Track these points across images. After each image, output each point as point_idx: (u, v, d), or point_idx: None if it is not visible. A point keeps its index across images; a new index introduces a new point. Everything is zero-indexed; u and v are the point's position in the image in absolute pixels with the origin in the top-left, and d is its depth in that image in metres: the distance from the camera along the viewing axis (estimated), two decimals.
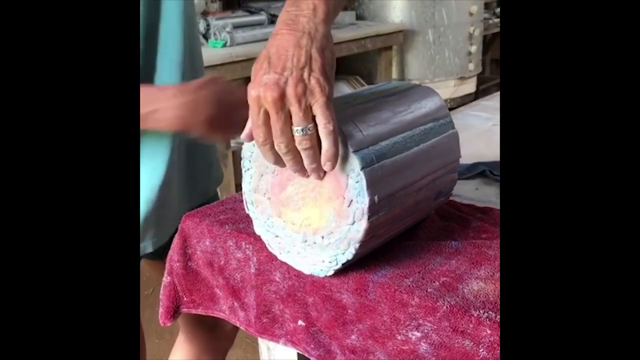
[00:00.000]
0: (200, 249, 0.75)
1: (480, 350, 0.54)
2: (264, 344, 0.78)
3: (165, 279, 0.78)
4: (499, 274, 0.59)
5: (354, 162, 0.56)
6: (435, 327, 0.56)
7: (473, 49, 3.14)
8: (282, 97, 0.53)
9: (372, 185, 0.56)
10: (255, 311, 0.70)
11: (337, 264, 0.60)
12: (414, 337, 0.58)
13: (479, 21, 3.19)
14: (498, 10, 3.73)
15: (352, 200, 0.57)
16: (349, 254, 0.59)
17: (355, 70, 3.11)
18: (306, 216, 0.61)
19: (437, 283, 0.59)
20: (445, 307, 0.56)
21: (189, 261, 0.76)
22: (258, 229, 0.67)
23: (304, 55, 0.55)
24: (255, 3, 2.68)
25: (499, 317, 0.53)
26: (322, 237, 0.60)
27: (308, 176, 0.59)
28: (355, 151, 0.56)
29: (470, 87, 3.27)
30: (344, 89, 2.89)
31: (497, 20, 3.59)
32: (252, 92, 0.54)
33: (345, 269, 0.62)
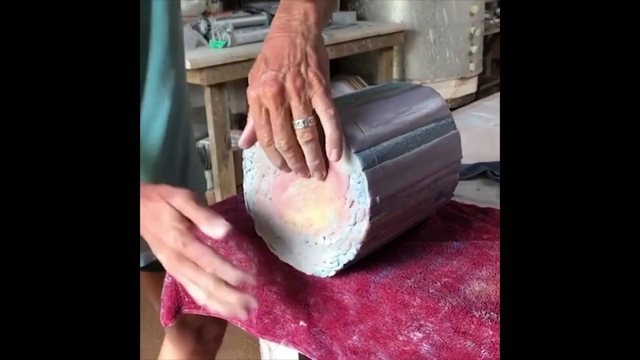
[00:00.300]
0: None
1: (482, 351, 0.54)
2: (265, 344, 0.78)
3: (167, 279, 0.78)
4: None
5: (356, 163, 0.56)
6: (436, 327, 0.56)
7: (474, 49, 3.14)
8: (281, 92, 0.54)
9: (374, 185, 0.56)
10: (256, 312, 0.70)
11: (338, 265, 0.60)
12: (415, 337, 0.58)
13: (480, 21, 3.19)
14: (499, 10, 3.73)
15: (353, 201, 0.57)
16: (350, 255, 0.59)
17: (355, 70, 3.11)
18: (308, 217, 0.61)
19: (439, 284, 0.59)
20: (446, 308, 0.56)
21: None
22: (259, 229, 0.67)
23: (299, 53, 0.56)
24: (256, 3, 2.69)
25: None
26: (324, 238, 0.60)
27: (310, 176, 0.59)
28: (356, 152, 0.56)
29: (471, 87, 3.27)
30: (344, 89, 2.89)
31: (498, 20, 3.59)
32: (252, 92, 0.55)
33: (347, 270, 0.62)
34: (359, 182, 0.56)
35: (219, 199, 2.17)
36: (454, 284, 0.59)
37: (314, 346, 0.66)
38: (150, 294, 1.00)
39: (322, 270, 0.62)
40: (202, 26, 2.26)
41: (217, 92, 2.11)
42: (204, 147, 2.51)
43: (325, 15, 0.63)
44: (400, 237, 0.67)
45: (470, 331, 0.54)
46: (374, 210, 0.57)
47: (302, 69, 0.55)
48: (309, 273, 0.63)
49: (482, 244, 0.66)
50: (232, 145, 2.21)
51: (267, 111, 0.55)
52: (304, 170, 0.58)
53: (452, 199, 0.74)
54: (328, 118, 0.55)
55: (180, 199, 0.57)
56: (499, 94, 1.40)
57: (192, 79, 2.07)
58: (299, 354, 0.72)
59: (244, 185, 0.68)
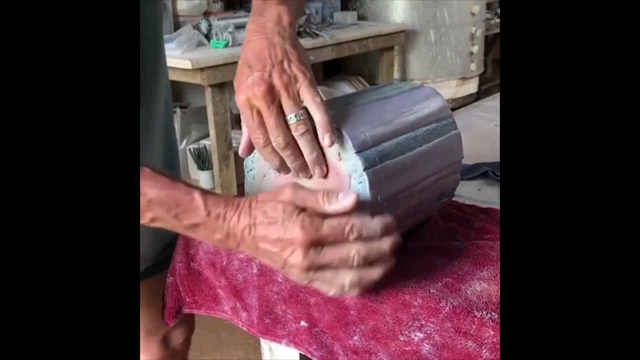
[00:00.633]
0: (202, 250, 0.75)
1: (483, 351, 0.54)
2: (266, 344, 0.78)
3: (168, 279, 0.78)
4: None
5: (357, 163, 0.56)
6: (437, 327, 0.56)
7: (475, 49, 3.14)
8: (270, 90, 0.55)
9: (375, 186, 0.56)
10: (257, 312, 0.70)
11: None
12: (416, 337, 0.58)
13: (481, 21, 3.19)
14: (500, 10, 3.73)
15: None
16: None
17: (356, 70, 3.11)
18: None
19: (440, 284, 0.59)
20: (448, 308, 0.56)
21: (191, 262, 0.76)
22: None
23: (279, 51, 0.58)
24: None
25: None
26: None
27: (311, 175, 0.59)
28: (358, 152, 0.56)
29: (472, 87, 3.27)
30: (345, 89, 2.89)
31: (499, 20, 3.59)
32: (241, 96, 0.56)
33: None
34: (360, 182, 0.56)
35: None
36: (455, 284, 0.59)
37: (314, 346, 0.66)
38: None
39: None
40: (203, 26, 2.26)
41: (218, 92, 2.11)
42: (205, 147, 2.51)
43: (296, 17, 0.64)
44: (402, 237, 0.67)
45: (471, 331, 0.54)
46: (375, 210, 0.57)
47: (286, 65, 0.57)
48: None
49: (483, 244, 0.66)
50: (233, 145, 2.21)
51: (258, 112, 0.55)
52: (303, 167, 0.58)
53: (453, 199, 0.74)
54: (316, 106, 0.55)
55: (290, 192, 0.53)
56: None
57: (193, 78, 2.07)
58: (300, 354, 0.72)
59: (245, 185, 0.68)
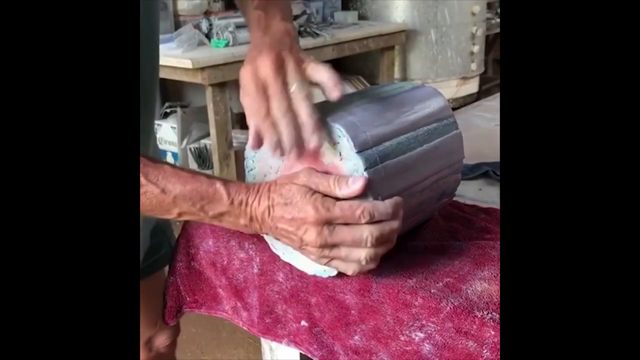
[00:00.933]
0: (203, 249, 0.75)
1: (484, 351, 0.54)
2: (266, 344, 0.78)
3: (169, 278, 0.78)
4: None
5: (358, 163, 0.56)
6: (438, 327, 0.56)
7: (475, 48, 3.14)
8: (278, 58, 0.58)
9: (376, 185, 0.56)
10: (258, 311, 0.70)
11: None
12: (417, 337, 0.58)
13: (482, 21, 3.19)
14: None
15: None
16: None
17: (357, 70, 3.11)
18: None
19: (441, 284, 0.59)
20: (448, 308, 0.56)
21: (192, 261, 0.76)
22: None
23: (291, 52, 0.60)
24: None
25: None
26: None
27: (303, 151, 0.58)
28: (359, 152, 0.56)
29: (472, 87, 3.27)
30: (345, 89, 2.87)
31: (500, 20, 3.59)
32: (248, 66, 0.58)
33: None
34: None
35: None
36: (455, 284, 0.59)
37: (315, 346, 0.66)
38: None
39: (324, 270, 0.62)
40: (204, 25, 2.26)
41: (219, 92, 2.11)
42: (205, 146, 2.51)
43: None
44: (402, 237, 0.67)
45: (472, 331, 0.54)
46: None
47: (296, 49, 0.60)
48: (310, 273, 0.63)
49: (484, 244, 0.66)
50: (234, 144, 2.21)
51: (263, 86, 0.57)
52: (299, 142, 0.57)
53: (454, 199, 0.74)
54: (325, 69, 0.58)
55: (304, 176, 0.56)
56: None
57: (194, 78, 2.07)
58: (301, 353, 0.72)
59: None
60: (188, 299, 0.78)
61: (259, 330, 0.71)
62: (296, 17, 2.56)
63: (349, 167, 0.57)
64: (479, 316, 0.54)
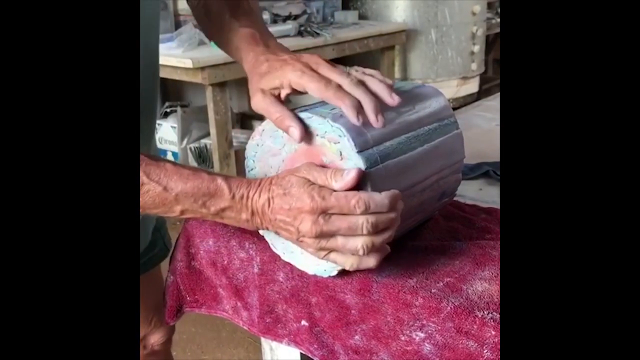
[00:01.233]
0: (203, 249, 0.75)
1: (485, 351, 0.54)
2: (266, 343, 0.78)
3: (169, 278, 0.78)
4: None
5: (359, 162, 0.56)
6: (439, 327, 0.56)
7: (476, 48, 3.14)
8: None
9: (377, 185, 0.56)
10: (258, 311, 0.70)
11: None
12: (417, 337, 0.58)
13: (482, 21, 3.19)
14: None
15: None
16: None
17: None
18: None
19: (441, 284, 0.59)
20: (449, 308, 0.56)
21: (192, 261, 0.76)
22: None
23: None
24: None
25: None
26: None
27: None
28: (359, 151, 0.56)
29: (472, 86, 3.27)
30: None
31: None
32: (297, 64, 0.61)
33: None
34: None
35: None
36: (456, 284, 0.59)
37: (315, 346, 0.66)
38: None
39: (324, 270, 0.62)
40: None
41: (219, 91, 2.11)
42: (205, 146, 2.51)
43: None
44: (403, 237, 0.67)
45: (472, 331, 0.54)
46: None
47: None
48: (311, 273, 0.63)
49: (484, 244, 0.66)
50: (234, 144, 2.21)
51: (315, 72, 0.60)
52: (377, 107, 0.59)
53: (455, 198, 0.74)
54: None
55: (304, 169, 0.57)
56: None
57: (194, 77, 2.07)
58: (301, 353, 0.72)
59: None
60: (188, 298, 0.78)
61: (259, 330, 0.71)
62: (296, 17, 2.57)
63: (349, 166, 0.57)
64: (480, 316, 0.54)
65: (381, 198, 0.54)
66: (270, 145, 0.63)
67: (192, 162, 2.54)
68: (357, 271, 0.62)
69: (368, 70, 0.63)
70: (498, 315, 0.54)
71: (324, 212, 0.54)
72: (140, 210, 0.59)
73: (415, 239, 0.68)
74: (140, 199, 0.58)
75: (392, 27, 2.87)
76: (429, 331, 0.57)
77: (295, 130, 0.58)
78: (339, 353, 0.64)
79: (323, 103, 0.62)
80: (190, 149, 2.55)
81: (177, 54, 2.07)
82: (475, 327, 0.54)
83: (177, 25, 2.46)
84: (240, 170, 2.17)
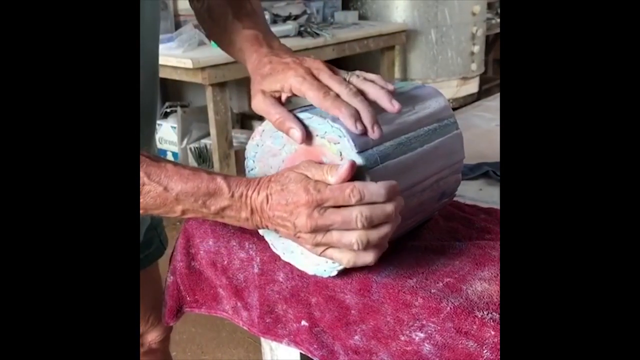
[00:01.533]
0: (203, 249, 0.75)
1: (484, 351, 0.54)
2: (266, 344, 0.78)
3: (169, 278, 0.78)
4: None
5: (359, 163, 0.56)
6: (438, 327, 0.56)
7: (476, 49, 3.14)
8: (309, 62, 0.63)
9: None
10: (258, 311, 0.70)
11: (340, 265, 0.60)
12: (417, 337, 0.58)
13: (482, 21, 3.19)
14: None
15: None
16: None
17: (357, 70, 3.11)
18: None
19: (441, 284, 0.59)
20: (449, 308, 0.56)
21: (192, 261, 0.76)
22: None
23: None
24: None
25: None
26: None
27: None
28: (359, 152, 0.56)
29: (472, 87, 3.27)
30: None
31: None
32: (300, 69, 0.61)
33: (349, 270, 0.61)
34: None
35: None
36: (456, 284, 0.59)
37: (315, 346, 0.66)
38: None
39: (324, 270, 0.62)
40: None
41: (219, 91, 2.11)
42: (205, 146, 2.51)
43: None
44: (403, 237, 0.67)
45: (472, 331, 0.54)
46: None
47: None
48: (311, 273, 0.63)
49: (484, 244, 0.66)
50: (234, 144, 2.21)
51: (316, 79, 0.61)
52: (374, 116, 0.59)
53: (455, 199, 0.74)
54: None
55: (302, 166, 0.57)
56: None
57: (194, 77, 2.08)
58: (301, 353, 0.72)
59: None
60: (188, 298, 0.78)
61: (259, 330, 0.71)
62: (296, 17, 2.57)
63: None
64: (479, 316, 0.54)
65: (376, 187, 0.54)
66: (270, 146, 0.63)
67: (192, 162, 2.54)
68: (357, 271, 0.62)
69: (369, 75, 0.64)
70: (498, 316, 0.54)
71: (320, 206, 0.54)
72: (143, 211, 0.59)
73: (415, 239, 0.68)
74: (142, 200, 0.58)
75: (392, 27, 2.87)
76: (429, 331, 0.57)
77: (296, 132, 0.58)
78: (339, 353, 0.64)
79: None
80: (190, 149, 2.55)
81: (177, 54, 2.08)
82: (475, 327, 0.54)
83: (177, 25, 2.46)
84: (240, 171, 2.17)
